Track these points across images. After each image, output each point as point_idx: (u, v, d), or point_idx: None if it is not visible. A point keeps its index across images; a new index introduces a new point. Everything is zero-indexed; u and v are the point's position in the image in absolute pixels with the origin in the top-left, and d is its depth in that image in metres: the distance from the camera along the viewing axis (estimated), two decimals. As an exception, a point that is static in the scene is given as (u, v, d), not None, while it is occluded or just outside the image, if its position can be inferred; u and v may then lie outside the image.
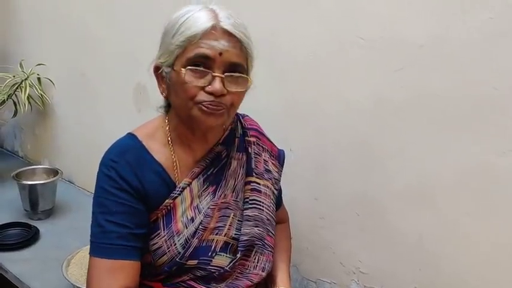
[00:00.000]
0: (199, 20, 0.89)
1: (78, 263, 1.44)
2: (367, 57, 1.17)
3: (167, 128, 1.01)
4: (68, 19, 1.99)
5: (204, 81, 0.89)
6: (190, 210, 0.99)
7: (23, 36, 2.25)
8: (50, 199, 1.83)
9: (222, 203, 1.01)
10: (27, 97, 1.99)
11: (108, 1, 1.82)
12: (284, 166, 1.16)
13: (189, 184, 0.99)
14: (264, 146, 1.12)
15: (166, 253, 0.96)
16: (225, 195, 1.02)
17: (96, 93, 1.97)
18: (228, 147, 1.05)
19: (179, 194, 0.98)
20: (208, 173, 1.02)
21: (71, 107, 2.11)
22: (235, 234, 1.02)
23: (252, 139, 1.10)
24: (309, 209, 1.36)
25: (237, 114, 1.10)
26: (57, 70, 2.08)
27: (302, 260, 1.41)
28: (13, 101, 2.07)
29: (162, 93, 0.98)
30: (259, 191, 1.07)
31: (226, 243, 1.01)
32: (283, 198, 1.24)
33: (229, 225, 1.02)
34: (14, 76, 2.03)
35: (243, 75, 0.92)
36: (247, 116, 1.14)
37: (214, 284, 1.00)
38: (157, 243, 0.96)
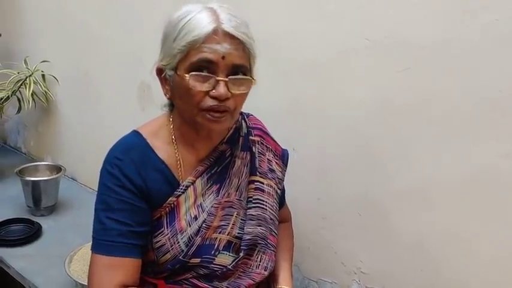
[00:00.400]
0: (200, 23, 0.88)
1: (81, 260, 1.45)
2: (371, 58, 1.17)
3: (171, 127, 1.01)
4: (73, 17, 2.00)
5: (208, 85, 0.89)
6: (194, 209, 0.99)
7: (27, 34, 2.26)
8: (53, 195, 1.84)
9: (225, 201, 1.02)
10: (31, 94, 2.00)
11: (112, 0, 1.82)
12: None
13: (193, 182, 1.00)
14: (268, 146, 1.12)
15: (169, 251, 0.96)
16: (228, 194, 1.02)
17: (100, 91, 1.97)
18: (232, 146, 1.05)
19: (183, 192, 0.98)
20: (212, 171, 1.02)
21: (75, 105, 2.11)
22: (238, 233, 1.02)
23: (256, 138, 1.10)
24: (311, 209, 1.37)
25: (242, 113, 1.10)
26: (61, 67, 2.08)
27: (303, 259, 1.42)
28: (17, 97, 2.07)
29: (165, 95, 0.98)
30: (263, 191, 1.08)
31: (229, 242, 1.01)
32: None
33: (233, 224, 1.02)
34: (18, 73, 2.03)
35: (246, 77, 0.92)
36: (251, 115, 1.14)
37: (216, 282, 1.01)
38: (160, 240, 0.97)
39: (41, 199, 1.79)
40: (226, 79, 0.89)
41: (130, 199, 0.93)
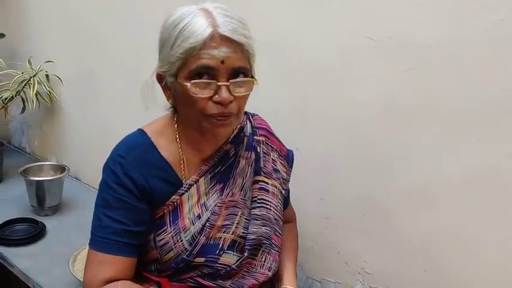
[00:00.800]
0: (196, 29, 0.86)
1: (84, 259, 1.43)
2: (375, 58, 1.16)
3: (175, 126, 1.01)
4: (76, 17, 2.00)
5: (209, 91, 0.88)
6: (197, 208, 0.99)
7: (31, 34, 2.26)
8: (57, 195, 1.84)
9: (229, 201, 1.02)
10: (35, 94, 2.00)
11: (116, 0, 1.82)
12: (291, 166, 1.16)
13: (196, 181, 1.00)
14: (272, 146, 1.12)
15: (172, 249, 0.97)
16: (232, 193, 1.03)
17: (104, 91, 1.98)
18: (236, 146, 1.05)
19: (186, 191, 0.99)
20: (216, 171, 1.02)
21: (79, 105, 2.12)
22: (242, 232, 1.02)
23: (261, 138, 1.10)
24: (315, 209, 1.37)
25: (247, 113, 1.10)
26: (65, 68, 2.09)
27: (307, 259, 1.41)
28: (21, 97, 2.08)
29: (168, 100, 0.98)
30: (267, 191, 1.07)
31: (233, 242, 1.01)
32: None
33: (237, 224, 1.02)
34: (22, 73, 2.04)
35: (248, 78, 0.91)
36: (257, 115, 1.14)
37: (220, 281, 1.01)
38: (163, 238, 0.97)
39: (45, 199, 1.79)
40: (228, 83, 0.88)
41: (128, 198, 0.94)
